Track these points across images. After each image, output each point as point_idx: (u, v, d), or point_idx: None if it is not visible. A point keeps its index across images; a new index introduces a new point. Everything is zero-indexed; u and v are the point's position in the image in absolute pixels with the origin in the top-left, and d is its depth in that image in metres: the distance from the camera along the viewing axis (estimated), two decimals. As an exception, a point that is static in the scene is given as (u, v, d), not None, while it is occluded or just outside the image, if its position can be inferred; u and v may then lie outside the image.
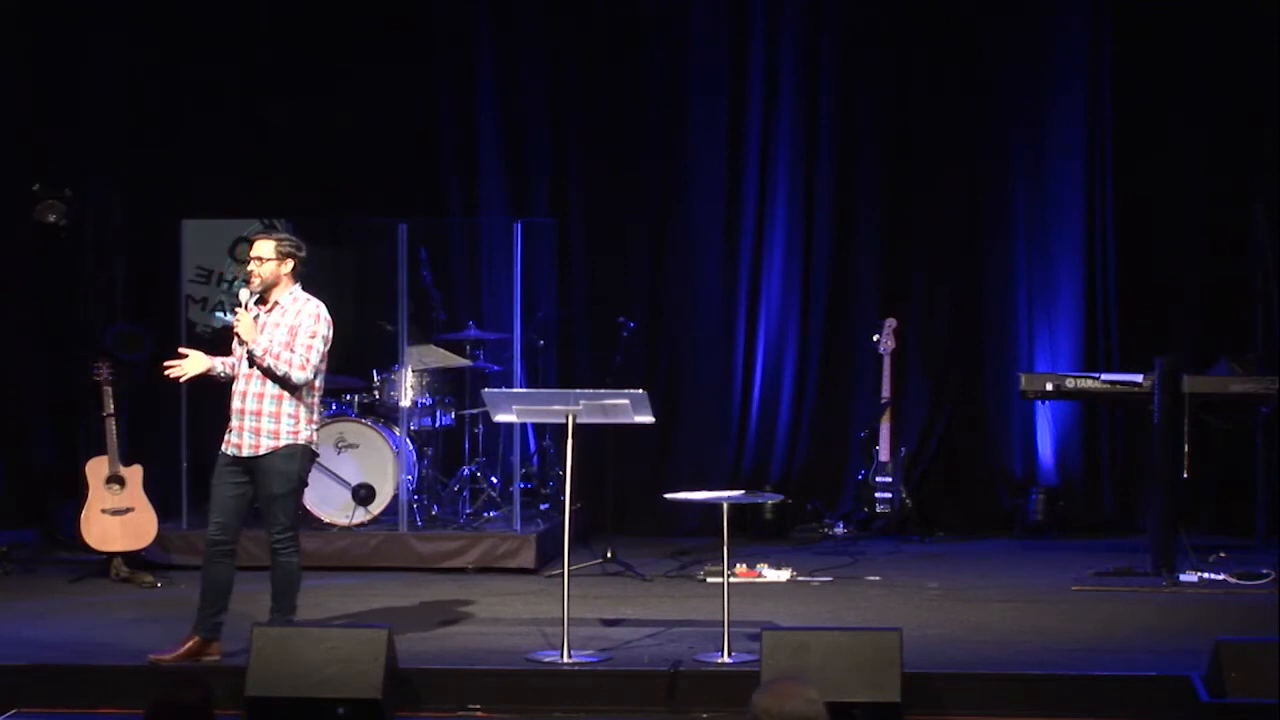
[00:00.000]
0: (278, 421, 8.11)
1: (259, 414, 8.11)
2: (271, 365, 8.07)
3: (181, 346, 8.77)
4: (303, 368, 8.11)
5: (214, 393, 8.85)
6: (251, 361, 8.13)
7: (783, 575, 10.45)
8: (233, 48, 12.42)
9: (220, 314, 11.35)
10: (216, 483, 8.21)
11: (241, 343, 8.16)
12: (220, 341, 11.31)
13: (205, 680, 5.56)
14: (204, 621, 8.17)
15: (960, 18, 12.37)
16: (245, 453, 8.13)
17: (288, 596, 8.21)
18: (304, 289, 8.28)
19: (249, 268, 8.23)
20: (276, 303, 8.22)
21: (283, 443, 8.13)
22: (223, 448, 8.21)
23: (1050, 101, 12.33)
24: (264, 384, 8.13)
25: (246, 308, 8.17)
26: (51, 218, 11.35)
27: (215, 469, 8.25)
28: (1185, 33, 12.13)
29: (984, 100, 12.39)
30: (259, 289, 8.21)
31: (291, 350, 8.10)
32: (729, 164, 12.46)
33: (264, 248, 8.20)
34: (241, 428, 8.14)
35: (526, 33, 12.51)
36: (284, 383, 8.11)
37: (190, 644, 8.14)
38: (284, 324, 8.17)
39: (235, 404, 8.17)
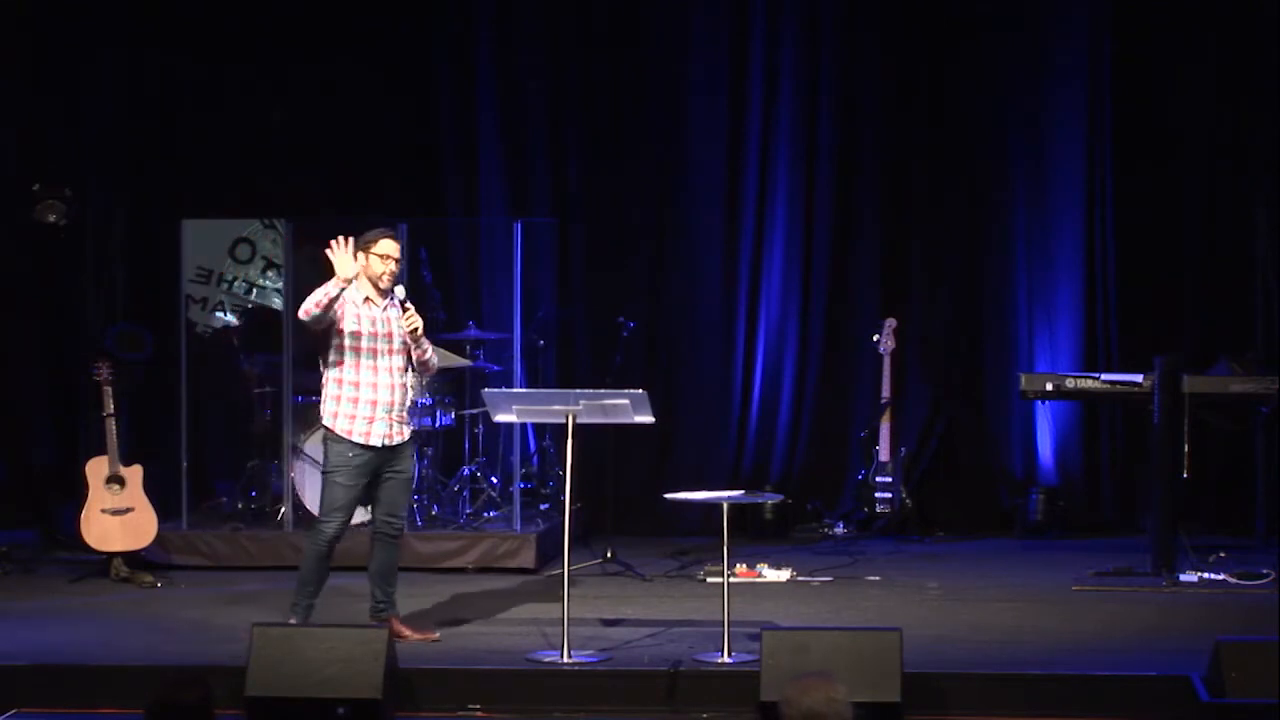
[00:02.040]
0: (406, 410, 8.59)
1: (394, 404, 8.50)
2: (433, 359, 8.67)
3: (184, 344, 8.81)
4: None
5: (214, 393, 8.84)
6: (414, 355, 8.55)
7: (783, 575, 10.45)
8: (233, 48, 12.41)
9: (220, 314, 11.35)
10: (347, 482, 8.43)
11: (417, 339, 8.48)
12: (220, 342, 11.36)
13: (205, 680, 5.55)
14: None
15: (960, 18, 12.36)
16: (394, 441, 8.48)
17: (393, 581, 8.63)
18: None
19: (389, 269, 8.51)
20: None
21: (409, 431, 8.56)
22: (360, 440, 8.42)
23: (1050, 101, 12.32)
24: (394, 374, 8.48)
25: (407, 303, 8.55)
26: (51, 218, 11.35)
27: (345, 463, 8.43)
28: (1185, 33, 12.12)
29: (984, 101, 12.38)
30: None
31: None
32: (729, 164, 12.45)
33: (396, 248, 8.58)
34: (389, 419, 8.46)
35: (526, 33, 12.50)
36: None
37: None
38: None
39: (376, 395, 8.44)
